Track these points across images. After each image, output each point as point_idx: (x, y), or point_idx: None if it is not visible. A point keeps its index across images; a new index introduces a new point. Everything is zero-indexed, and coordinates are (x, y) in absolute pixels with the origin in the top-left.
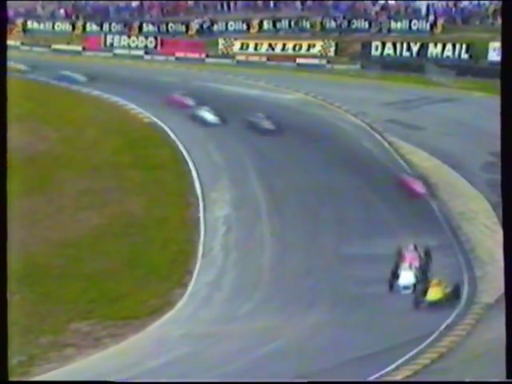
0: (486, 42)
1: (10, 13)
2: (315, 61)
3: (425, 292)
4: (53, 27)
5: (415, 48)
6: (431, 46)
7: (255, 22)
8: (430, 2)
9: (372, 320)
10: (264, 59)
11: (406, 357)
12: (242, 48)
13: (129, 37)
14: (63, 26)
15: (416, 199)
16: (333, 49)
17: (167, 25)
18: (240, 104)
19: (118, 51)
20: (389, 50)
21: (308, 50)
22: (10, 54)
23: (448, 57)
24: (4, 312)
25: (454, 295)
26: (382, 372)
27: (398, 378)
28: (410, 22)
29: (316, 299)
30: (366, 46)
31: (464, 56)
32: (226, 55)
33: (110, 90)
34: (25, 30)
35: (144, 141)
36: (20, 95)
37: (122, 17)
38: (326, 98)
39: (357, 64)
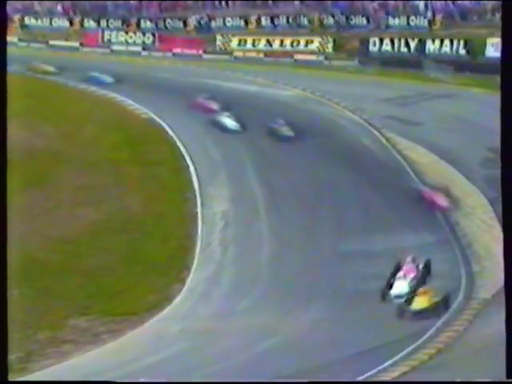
0: (483, 38)
1: (8, 9)
2: (313, 57)
3: (411, 301)
4: (50, 23)
5: (413, 44)
6: (429, 42)
7: (253, 19)
8: None
9: (370, 316)
10: (262, 55)
11: (404, 352)
12: (239, 44)
13: (126, 33)
14: (61, 22)
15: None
16: (331, 45)
17: (165, 21)
18: (239, 101)
19: (115, 47)
20: (387, 46)
21: (306, 46)
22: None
23: (446, 53)
24: (4, 312)
25: (442, 304)
26: (380, 368)
27: (396, 373)
28: (408, 18)
29: (314, 295)
30: (364, 42)
31: (462, 52)
32: (223, 51)
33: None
34: (22, 26)
35: (142, 137)
36: (18, 91)
37: (119, 13)
38: (324, 95)
39: (355, 60)
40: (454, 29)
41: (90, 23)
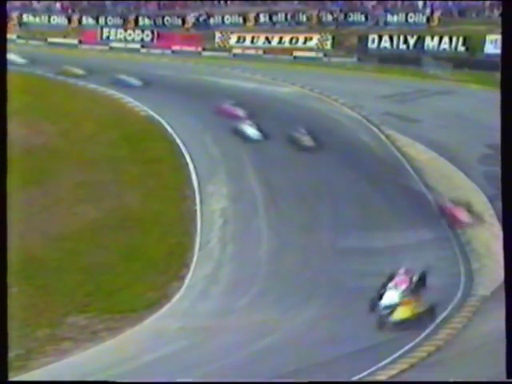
0: (482, 35)
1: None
2: (312, 54)
3: (392, 311)
4: (49, 21)
5: (412, 41)
6: (428, 38)
7: (251, 16)
8: None
9: (369, 313)
10: (261, 52)
11: (403, 350)
12: (238, 41)
13: (125, 30)
14: (59, 20)
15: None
16: (329, 42)
17: (163, 18)
18: (237, 97)
19: (114, 44)
20: (385, 42)
21: (305, 43)
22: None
23: (445, 49)
24: (4, 312)
25: (426, 316)
26: (379, 365)
27: (395, 371)
28: (407, 15)
29: (313, 293)
30: (363, 39)
31: (461, 49)
32: (222, 48)
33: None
34: (20, 23)
35: (141, 134)
36: (17, 88)
37: (117, 10)
38: (322, 91)
39: (354, 57)
40: (453, 25)
41: (88, 21)
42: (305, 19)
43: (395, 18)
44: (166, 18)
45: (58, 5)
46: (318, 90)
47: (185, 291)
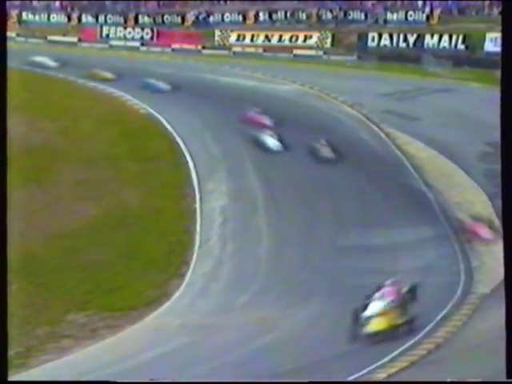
0: (482, 33)
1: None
2: (312, 52)
3: (367, 323)
4: (48, 19)
5: (412, 39)
6: (428, 36)
7: (251, 14)
8: None
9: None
10: (261, 50)
11: (403, 348)
12: (238, 39)
13: (125, 28)
14: (58, 18)
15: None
16: (329, 40)
17: (163, 16)
18: (237, 96)
19: (113, 42)
20: (385, 40)
21: (304, 41)
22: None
23: (445, 47)
24: (4, 313)
25: (404, 328)
26: (378, 363)
27: (394, 369)
28: (406, 13)
29: (313, 290)
30: (363, 37)
31: (460, 47)
32: (222, 47)
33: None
34: (20, 21)
35: (140, 132)
36: (16, 86)
37: (117, 8)
38: (322, 89)
39: (353, 55)
40: (452, 24)
41: (87, 19)
42: (304, 17)
43: (395, 16)
44: (166, 16)
45: (57, 3)
46: (318, 87)
47: (185, 289)
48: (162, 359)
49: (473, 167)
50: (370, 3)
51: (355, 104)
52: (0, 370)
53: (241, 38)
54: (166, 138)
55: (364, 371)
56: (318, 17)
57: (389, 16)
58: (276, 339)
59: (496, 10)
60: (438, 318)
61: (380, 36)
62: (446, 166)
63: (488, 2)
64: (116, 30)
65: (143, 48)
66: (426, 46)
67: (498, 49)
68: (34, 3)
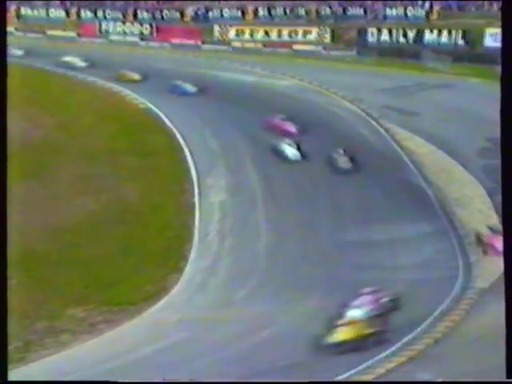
0: (482, 28)
1: None
2: (311, 47)
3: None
4: (47, 14)
5: (411, 34)
6: (427, 32)
7: (250, 9)
8: None
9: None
10: (260, 46)
11: (401, 343)
12: (237, 35)
13: (124, 23)
14: (57, 13)
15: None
16: (329, 35)
17: (162, 12)
18: (236, 91)
19: (113, 37)
20: (385, 36)
21: (304, 36)
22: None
23: (444, 43)
24: (4, 314)
25: (373, 338)
26: (377, 358)
27: (393, 364)
28: (406, 8)
29: (311, 285)
30: (363, 32)
31: (460, 42)
32: (221, 42)
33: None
34: (18, 16)
35: (140, 127)
36: (15, 81)
37: (116, 4)
38: (321, 84)
39: (353, 50)
40: (452, 19)
41: (86, 14)
42: (303, 13)
43: (394, 12)
44: (165, 11)
45: None
46: (318, 83)
47: (183, 284)
48: (160, 354)
49: (472, 162)
50: None
51: (355, 99)
52: (0, 370)
53: (240, 34)
54: (165, 133)
55: (363, 365)
56: (317, 12)
57: (388, 11)
58: (274, 334)
59: (496, 6)
60: (437, 313)
61: (379, 31)
62: (445, 162)
63: None
64: (115, 26)
65: (142, 43)
66: (425, 41)
67: (498, 44)
68: None
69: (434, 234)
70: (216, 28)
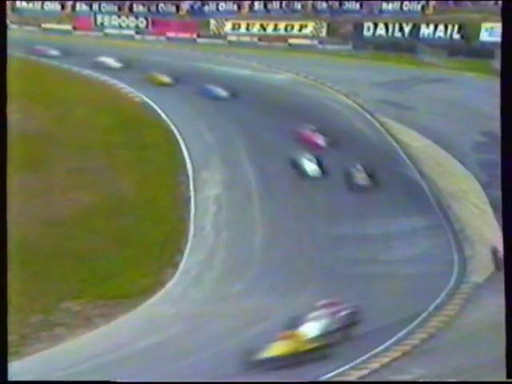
0: (477, 23)
1: None
2: (307, 41)
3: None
4: (42, 7)
5: (407, 29)
6: (423, 26)
7: (246, 3)
8: None
9: (362, 300)
10: (256, 39)
11: (396, 337)
12: (233, 29)
13: (119, 17)
14: (52, 6)
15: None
16: (325, 29)
17: (157, 5)
18: (233, 84)
19: (108, 31)
20: (381, 30)
21: (300, 30)
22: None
23: (440, 37)
24: (3, 315)
25: (315, 353)
26: (372, 353)
27: (387, 359)
28: (402, 3)
29: (306, 279)
30: (358, 26)
31: (456, 36)
32: (217, 35)
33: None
34: (13, 9)
35: (135, 120)
36: (10, 74)
37: None
38: (317, 78)
39: (349, 44)
40: (448, 14)
41: (82, 7)
42: (299, 7)
43: (390, 6)
44: (161, 5)
45: None
46: (313, 77)
47: (179, 277)
48: (156, 348)
49: (467, 156)
50: None
51: (350, 93)
52: (0, 370)
53: (236, 27)
54: (161, 127)
55: (358, 360)
56: (313, 6)
57: (384, 6)
58: (270, 328)
59: (492, 1)
60: (431, 307)
61: (375, 26)
62: (440, 156)
63: None
64: (110, 19)
65: (138, 36)
66: (421, 35)
67: (494, 39)
68: None
69: (429, 228)
70: (212, 22)
